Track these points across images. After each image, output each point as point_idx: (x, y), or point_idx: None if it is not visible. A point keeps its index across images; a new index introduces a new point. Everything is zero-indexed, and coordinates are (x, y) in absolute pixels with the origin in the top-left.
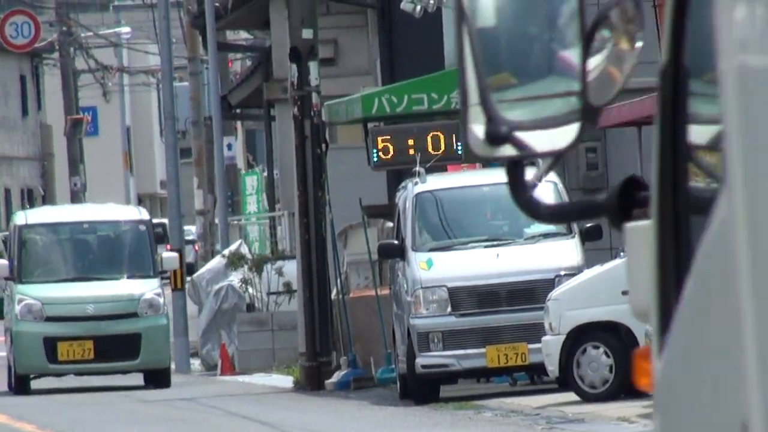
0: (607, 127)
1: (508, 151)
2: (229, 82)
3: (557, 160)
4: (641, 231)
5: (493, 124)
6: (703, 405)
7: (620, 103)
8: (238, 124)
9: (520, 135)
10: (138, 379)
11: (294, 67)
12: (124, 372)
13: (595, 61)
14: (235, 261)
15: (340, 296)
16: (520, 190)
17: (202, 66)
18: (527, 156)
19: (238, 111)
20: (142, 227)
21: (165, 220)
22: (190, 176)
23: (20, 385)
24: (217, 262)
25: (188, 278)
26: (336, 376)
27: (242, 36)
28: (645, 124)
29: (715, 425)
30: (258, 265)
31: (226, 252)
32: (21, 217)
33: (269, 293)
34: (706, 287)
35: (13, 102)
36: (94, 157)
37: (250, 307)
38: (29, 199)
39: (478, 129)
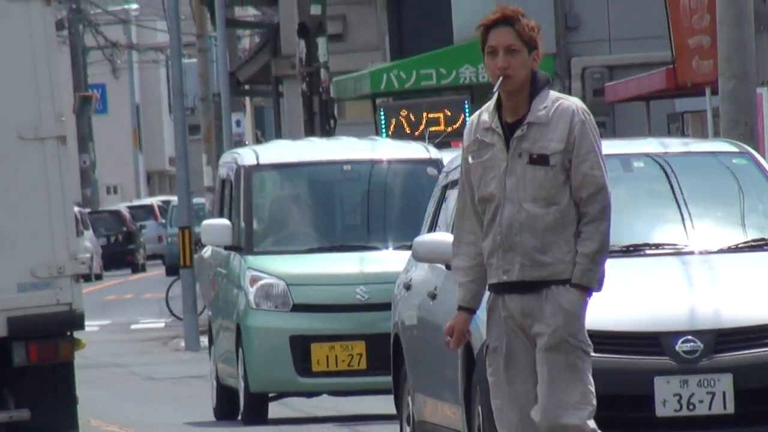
0: (615, 102)
1: None
2: (238, 59)
3: None
4: None
5: None
6: None
7: (628, 78)
8: (247, 100)
9: None
10: None
11: (302, 43)
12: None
13: None
14: None
15: None
16: None
17: (210, 43)
18: None
19: (246, 87)
20: (432, 171)
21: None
22: (200, 153)
23: (253, 411)
24: None
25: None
26: None
27: (250, 12)
28: (652, 99)
29: None
30: None
31: None
32: (249, 155)
33: None
34: None
35: None
36: (102, 135)
37: None
38: None
39: None
